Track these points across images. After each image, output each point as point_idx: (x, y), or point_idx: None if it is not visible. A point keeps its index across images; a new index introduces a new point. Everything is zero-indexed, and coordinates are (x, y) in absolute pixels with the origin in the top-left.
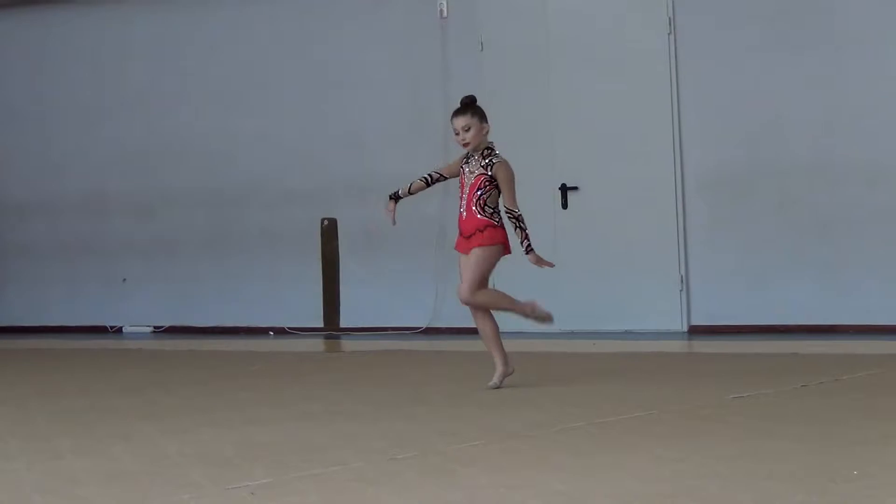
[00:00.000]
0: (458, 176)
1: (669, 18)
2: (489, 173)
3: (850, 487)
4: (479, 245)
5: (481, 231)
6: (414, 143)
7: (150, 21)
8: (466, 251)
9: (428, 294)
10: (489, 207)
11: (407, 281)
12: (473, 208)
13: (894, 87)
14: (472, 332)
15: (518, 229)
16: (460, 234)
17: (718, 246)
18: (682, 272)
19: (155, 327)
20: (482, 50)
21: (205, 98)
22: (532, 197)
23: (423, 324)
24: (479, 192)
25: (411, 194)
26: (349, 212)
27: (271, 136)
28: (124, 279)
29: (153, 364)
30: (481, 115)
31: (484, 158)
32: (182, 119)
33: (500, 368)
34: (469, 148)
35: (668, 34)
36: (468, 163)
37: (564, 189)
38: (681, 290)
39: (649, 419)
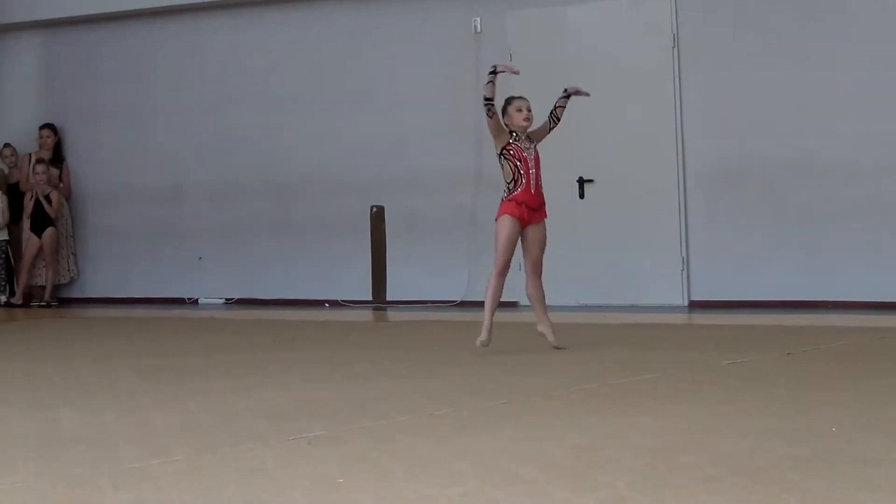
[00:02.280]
0: (498, 128)
1: (673, 34)
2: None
3: (828, 441)
4: (544, 218)
5: (543, 206)
6: (450, 143)
7: (221, 36)
8: (536, 221)
9: (462, 272)
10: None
11: (444, 260)
12: (541, 183)
13: (870, 97)
14: (501, 305)
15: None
16: (525, 205)
17: (715, 231)
18: (684, 254)
19: (226, 299)
20: (511, 61)
21: (269, 103)
22: (553, 188)
23: (457, 298)
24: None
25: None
26: (394, 201)
27: (326, 135)
28: (200, 257)
29: (224, 331)
30: None
31: (528, 141)
32: (249, 120)
33: (549, 329)
34: (526, 126)
35: (672, 48)
36: (518, 140)
37: (581, 182)
38: (682, 270)
39: (654, 381)
